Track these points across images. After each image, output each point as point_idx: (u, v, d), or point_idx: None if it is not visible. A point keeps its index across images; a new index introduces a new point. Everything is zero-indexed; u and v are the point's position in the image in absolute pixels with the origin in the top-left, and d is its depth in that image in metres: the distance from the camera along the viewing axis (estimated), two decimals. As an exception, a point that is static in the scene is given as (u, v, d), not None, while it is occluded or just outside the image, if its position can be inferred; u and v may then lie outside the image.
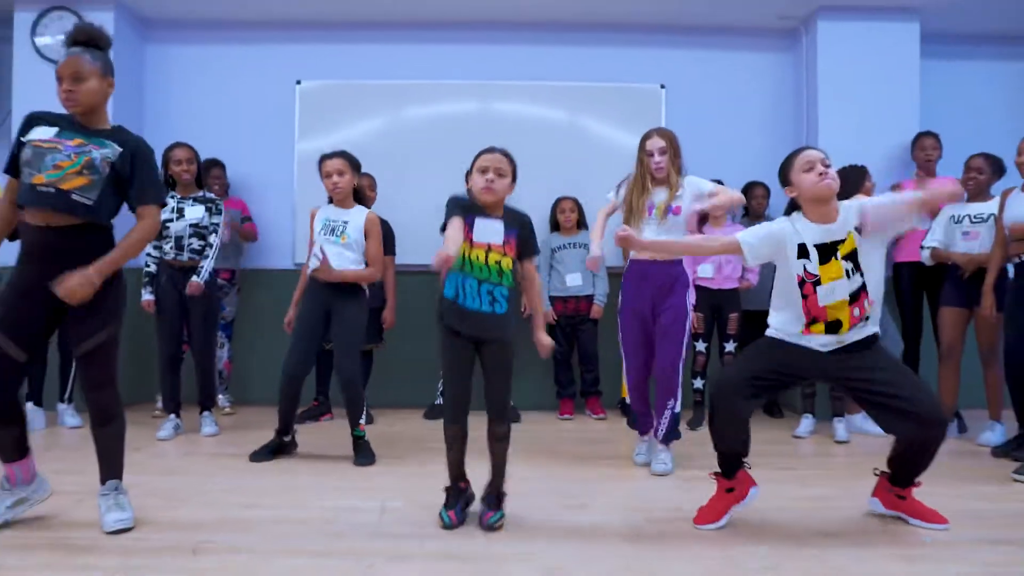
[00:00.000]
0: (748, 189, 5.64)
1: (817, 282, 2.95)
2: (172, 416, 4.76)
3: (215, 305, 4.95)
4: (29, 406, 4.82)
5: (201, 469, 3.95)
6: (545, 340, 3.05)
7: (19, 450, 2.94)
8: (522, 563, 2.61)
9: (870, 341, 3.00)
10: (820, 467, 4.15)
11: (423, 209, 5.56)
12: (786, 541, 2.86)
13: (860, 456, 4.38)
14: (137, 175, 2.87)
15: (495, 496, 3.05)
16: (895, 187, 5.41)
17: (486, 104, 6.13)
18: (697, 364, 5.34)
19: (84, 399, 2.94)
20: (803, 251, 2.97)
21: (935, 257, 4.92)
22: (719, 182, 5.17)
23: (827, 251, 2.95)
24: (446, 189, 5.51)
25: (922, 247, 4.98)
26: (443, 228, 3.00)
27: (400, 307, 5.34)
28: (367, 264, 4.21)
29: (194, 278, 4.69)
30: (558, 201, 5.66)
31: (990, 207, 4.68)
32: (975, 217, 4.71)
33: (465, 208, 2.99)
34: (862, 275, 2.93)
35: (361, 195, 4.34)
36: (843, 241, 2.94)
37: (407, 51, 6.16)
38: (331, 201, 4.27)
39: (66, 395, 5.06)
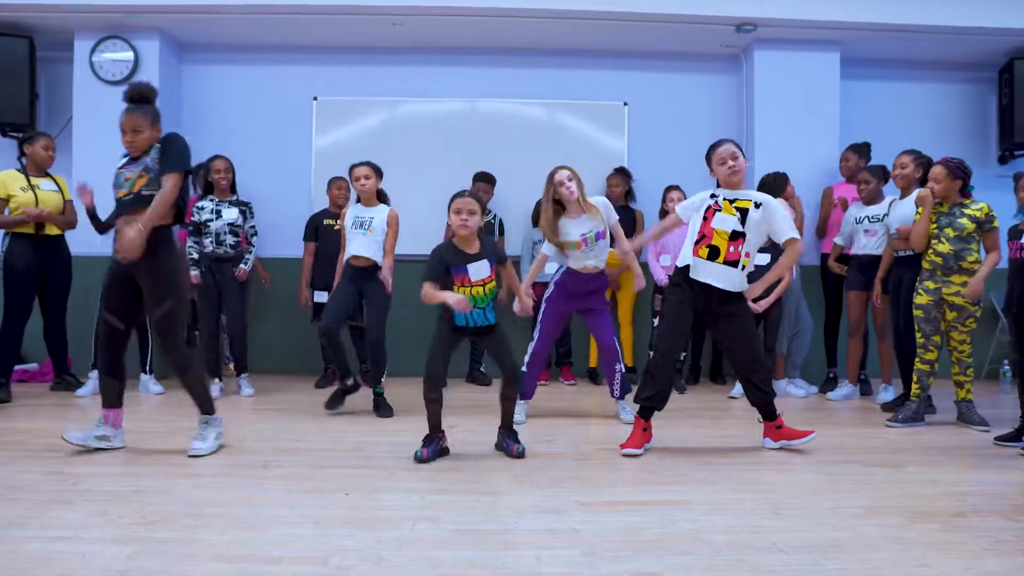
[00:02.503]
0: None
1: (718, 210, 4.03)
2: (216, 380, 5.76)
3: (247, 288, 5.94)
4: (144, 376, 5.86)
5: (251, 418, 4.99)
6: (525, 306, 4.35)
7: (117, 400, 3.99)
8: (501, 472, 3.67)
9: (737, 296, 4.07)
10: (738, 418, 5.18)
11: (420, 205, 6.53)
12: (693, 459, 3.94)
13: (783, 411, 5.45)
14: (164, 155, 3.78)
15: (511, 433, 4.05)
16: (825, 191, 6.46)
17: (475, 118, 7.14)
18: (654, 338, 6.29)
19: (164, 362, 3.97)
20: (714, 196, 4.10)
21: (833, 252, 6.02)
22: (676, 187, 6.21)
23: (730, 201, 4.04)
24: (442, 187, 6.59)
25: (834, 242, 6.04)
26: (425, 278, 3.87)
27: (398, 291, 6.16)
28: (386, 255, 5.14)
29: (241, 266, 5.75)
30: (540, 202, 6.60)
31: (882, 208, 5.67)
32: (872, 218, 5.71)
33: (453, 260, 3.87)
34: (743, 227, 3.99)
35: (383, 196, 5.26)
36: (744, 200, 4.03)
37: (408, 72, 7.13)
38: (358, 200, 5.23)
39: (147, 366, 5.90)
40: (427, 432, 3.96)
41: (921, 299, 4.89)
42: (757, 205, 4.02)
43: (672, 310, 4.13)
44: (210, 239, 5.72)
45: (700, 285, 4.04)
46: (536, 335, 4.94)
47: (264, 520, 2.89)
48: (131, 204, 3.76)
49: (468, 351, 6.67)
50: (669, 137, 7.16)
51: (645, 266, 6.49)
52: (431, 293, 3.80)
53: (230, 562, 2.46)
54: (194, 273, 5.76)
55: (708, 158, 4.18)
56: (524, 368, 4.85)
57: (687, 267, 4.06)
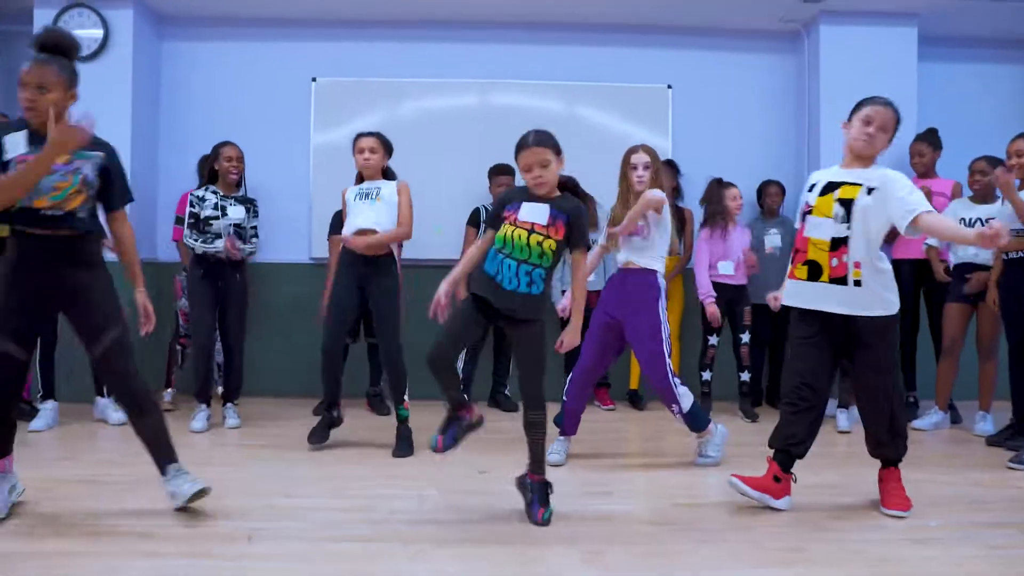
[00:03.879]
0: (763, 188, 5.88)
1: (809, 212, 3.17)
2: (203, 407, 4.85)
3: (247, 301, 5.06)
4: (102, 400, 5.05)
5: (237, 459, 4.11)
6: (569, 340, 3.13)
7: (7, 447, 3.09)
8: (561, 545, 2.79)
9: (876, 325, 3.15)
10: (825, 456, 4.30)
11: (430, 198, 5.68)
12: (804, 525, 3.05)
13: (859, 445, 4.58)
14: (115, 181, 3.07)
15: (542, 490, 3.11)
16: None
17: (494, 102, 6.28)
18: (707, 357, 5.49)
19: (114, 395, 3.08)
20: (813, 187, 3.23)
21: (933, 256, 5.13)
22: (719, 181, 5.43)
23: (829, 188, 3.15)
24: (457, 179, 5.72)
25: (927, 244, 5.17)
26: (487, 220, 3.17)
27: (409, 300, 5.46)
28: (401, 225, 4.29)
29: (233, 238, 4.84)
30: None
31: (995, 209, 4.81)
32: (986, 220, 4.70)
33: (515, 195, 3.11)
34: (849, 227, 3.08)
35: (389, 175, 4.45)
36: (848, 186, 3.12)
37: (418, 49, 6.29)
38: (360, 181, 4.41)
39: (105, 388, 5.01)
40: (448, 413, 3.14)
41: None
42: (870, 190, 3.09)
43: (799, 349, 3.31)
44: (208, 238, 4.82)
45: (817, 314, 3.19)
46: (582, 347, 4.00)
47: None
48: (56, 223, 2.90)
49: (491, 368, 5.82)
50: (718, 125, 6.33)
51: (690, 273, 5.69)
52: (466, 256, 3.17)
53: None
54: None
55: (855, 109, 3.23)
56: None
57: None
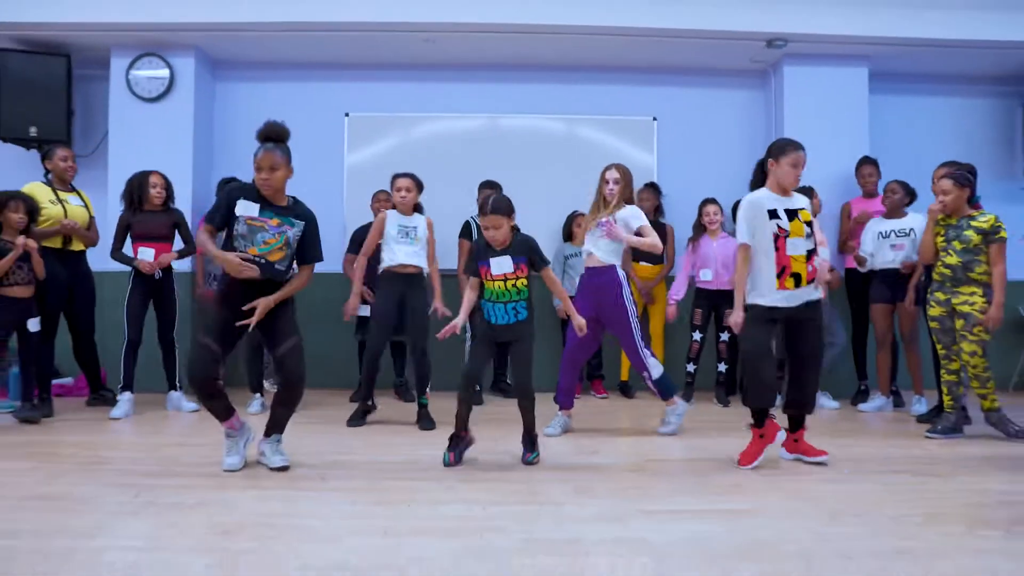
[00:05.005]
0: (736, 205, 6.66)
1: (787, 235, 4.01)
2: (257, 395, 5.78)
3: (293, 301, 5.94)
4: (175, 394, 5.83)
5: (297, 432, 4.97)
6: (579, 321, 4.22)
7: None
8: (558, 483, 3.70)
9: (819, 305, 4.10)
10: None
11: (447, 219, 6.59)
12: (747, 472, 3.97)
13: (814, 425, 5.47)
14: (307, 241, 3.95)
15: (529, 440, 4.16)
16: (844, 207, 6.52)
17: (503, 133, 7.22)
18: (692, 351, 6.35)
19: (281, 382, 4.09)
20: (774, 214, 4.03)
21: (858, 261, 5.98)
22: (712, 200, 6.26)
23: (791, 214, 4.04)
24: (470, 201, 6.57)
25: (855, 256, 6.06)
26: (464, 269, 4.21)
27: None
28: (430, 261, 5.29)
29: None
30: (574, 215, 6.60)
31: (908, 223, 5.75)
32: (899, 232, 5.76)
33: (481, 253, 4.10)
34: (813, 243, 4.04)
35: (419, 208, 5.34)
36: (803, 211, 4.05)
37: (438, 88, 7.22)
38: (393, 207, 5.30)
39: (176, 382, 5.83)
40: (452, 432, 4.12)
41: (934, 311, 4.96)
42: (813, 213, 4.12)
43: (757, 336, 4.11)
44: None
45: (775, 308, 4.05)
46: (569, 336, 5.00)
47: (336, 531, 2.92)
48: (259, 268, 3.79)
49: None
50: (699, 152, 7.22)
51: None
52: (466, 298, 4.20)
53: (315, 571, 2.50)
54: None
55: (778, 152, 4.06)
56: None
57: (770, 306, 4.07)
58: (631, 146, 7.13)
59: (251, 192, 3.83)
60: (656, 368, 4.92)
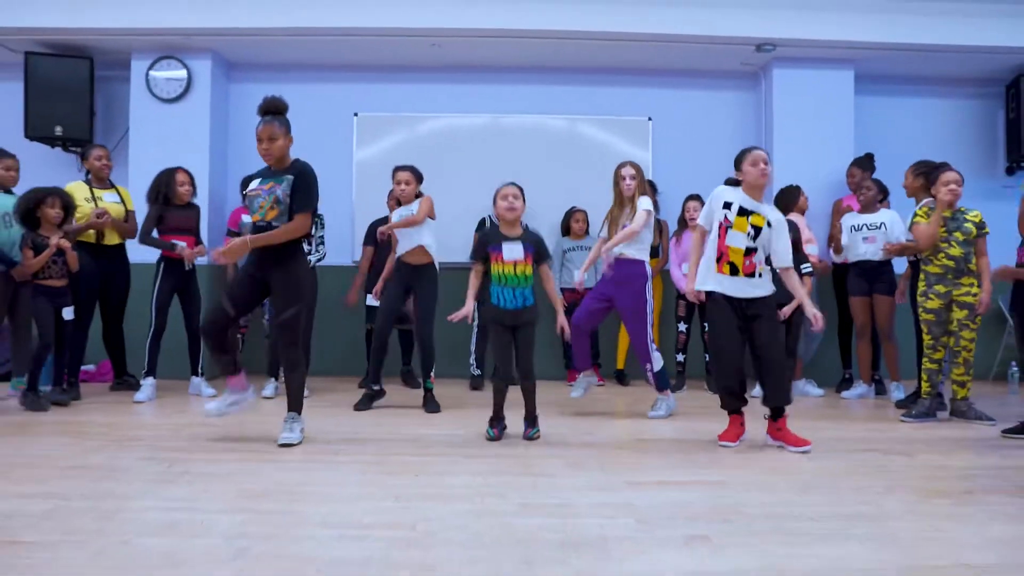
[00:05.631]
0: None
1: (729, 226, 4.31)
2: (272, 380, 6.11)
3: (315, 294, 6.27)
4: (196, 379, 6.13)
5: (310, 414, 5.26)
6: (563, 322, 4.56)
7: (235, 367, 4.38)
8: (553, 459, 4.03)
9: (768, 302, 4.35)
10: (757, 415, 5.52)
11: (452, 215, 6.90)
12: (729, 451, 4.29)
13: (799, 411, 5.77)
14: (296, 192, 4.14)
15: (531, 418, 4.51)
16: (836, 203, 6.82)
17: (505, 132, 7.54)
18: (679, 342, 6.69)
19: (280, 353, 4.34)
20: (728, 206, 4.34)
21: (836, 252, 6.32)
22: (695, 196, 6.55)
23: (744, 212, 4.31)
24: (474, 198, 6.88)
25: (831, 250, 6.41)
26: (472, 255, 4.49)
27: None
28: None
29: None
30: (571, 211, 6.97)
31: (879, 217, 6.05)
32: (870, 226, 6.06)
33: (492, 238, 4.43)
34: (755, 243, 4.28)
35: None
36: (758, 215, 4.30)
37: (443, 89, 7.54)
38: (397, 204, 5.61)
39: (199, 369, 6.15)
40: (492, 415, 4.50)
41: (933, 303, 5.17)
42: (769, 224, 4.32)
43: (716, 318, 4.41)
44: None
45: (730, 298, 4.35)
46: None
47: (351, 496, 3.26)
48: (264, 231, 4.14)
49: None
50: (692, 151, 7.50)
51: (667, 274, 6.88)
52: (471, 284, 4.47)
53: (333, 528, 2.83)
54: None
55: (739, 160, 4.40)
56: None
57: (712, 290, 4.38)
58: (628, 145, 7.44)
59: (262, 171, 4.27)
60: (658, 362, 5.26)
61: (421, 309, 5.47)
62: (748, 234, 4.30)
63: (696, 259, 4.49)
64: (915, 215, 5.29)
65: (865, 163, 6.72)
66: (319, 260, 6.29)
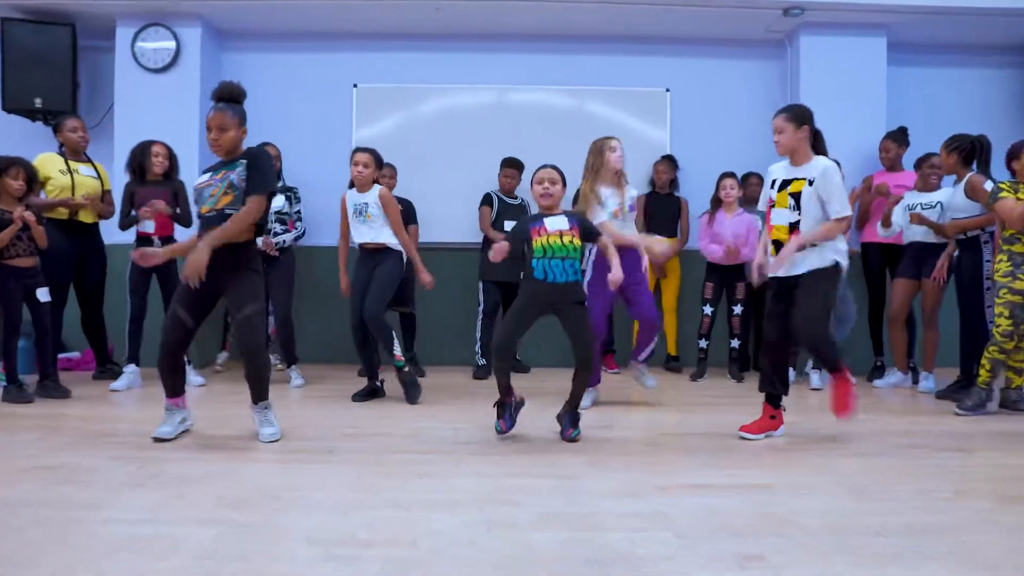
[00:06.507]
0: (745, 178, 6.48)
1: (773, 206, 3.99)
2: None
3: (292, 275, 5.89)
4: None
5: (304, 406, 4.96)
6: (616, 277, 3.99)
7: (181, 389, 3.98)
8: (572, 456, 3.61)
9: (812, 275, 3.90)
10: (795, 404, 5.05)
11: (451, 187, 6.52)
12: (764, 447, 3.88)
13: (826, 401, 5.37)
14: (251, 174, 3.78)
15: (573, 417, 3.99)
16: (865, 180, 6.37)
17: (513, 104, 7.08)
18: (703, 327, 6.26)
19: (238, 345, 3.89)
20: (773, 184, 4.03)
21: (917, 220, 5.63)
22: (731, 174, 6.13)
23: (784, 185, 3.96)
24: (478, 173, 6.51)
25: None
26: (512, 242, 3.92)
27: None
28: (396, 233, 5.05)
29: (270, 238, 5.66)
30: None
31: (938, 196, 5.57)
32: (924, 205, 5.59)
33: (532, 219, 4.00)
34: (799, 214, 3.89)
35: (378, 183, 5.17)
36: (796, 181, 3.92)
37: (446, 59, 7.08)
38: (352, 186, 5.14)
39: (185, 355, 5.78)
40: (498, 400, 3.99)
41: (1021, 284, 4.68)
42: (811, 182, 3.89)
43: (766, 301, 4.15)
44: None
45: (776, 279, 4.00)
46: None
47: (344, 504, 2.84)
48: (216, 221, 3.72)
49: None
50: (712, 124, 7.06)
51: (686, 254, 6.48)
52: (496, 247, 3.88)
53: (319, 545, 2.42)
54: None
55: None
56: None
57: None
58: (644, 119, 6.99)
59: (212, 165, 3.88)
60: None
61: (374, 284, 4.96)
62: (790, 206, 3.92)
63: (764, 241, 4.15)
64: (1000, 189, 4.79)
65: (899, 137, 6.28)
66: (297, 238, 5.95)
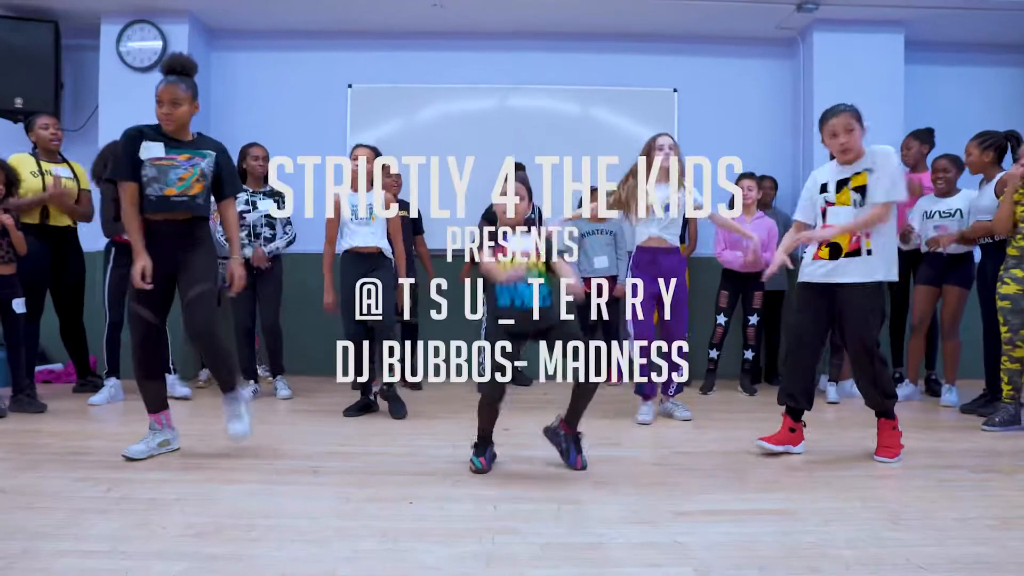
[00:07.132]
0: (758, 181, 6.21)
1: (831, 206, 3.72)
2: (251, 382, 5.42)
3: (280, 283, 5.60)
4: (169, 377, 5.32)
5: (292, 420, 4.68)
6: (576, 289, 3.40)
7: (163, 403, 3.73)
8: (576, 478, 3.33)
9: (859, 288, 3.63)
10: (813, 420, 4.80)
11: (453, 195, 6.19)
12: (785, 466, 3.59)
13: (846, 412, 5.09)
14: (224, 173, 3.66)
15: (577, 441, 3.50)
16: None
17: (515, 105, 6.82)
18: (715, 336, 5.98)
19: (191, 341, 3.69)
20: (824, 188, 3.78)
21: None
22: (749, 175, 5.84)
23: (842, 184, 3.70)
24: (480, 175, 6.29)
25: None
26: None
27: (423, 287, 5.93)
28: (393, 240, 4.88)
29: (261, 248, 5.38)
30: (592, 190, 6.26)
31: (957, 202, 5.28)
32: (944, 212, 5.30)
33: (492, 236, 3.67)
34: (865, 207, 3.62)
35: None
36: (857, 175, 3.67)
37: (444, 57, 6.82)
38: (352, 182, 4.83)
39: (170, 365, 5.31)
40: (477, 439, 3.52)
41: (1009, 288, 4.48)
42: (871, 171, 3.64)
43: (797, 308, 3.89)
44: (245, 232, 5.36)
45: (825, 287, 3.73)
46: (632, 330, 4.54)
47: (325, 533, 2.56)
48: (180, 207, 3.50)
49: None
50: (721, 126, 6.78)
51: (699, 261, 6.21)
52: (490, 268, 3.45)
53: (295, 582, 2.14)
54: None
55: (821, 127, 3.80)
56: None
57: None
58: (651, 119, 6.69)
59: (152, 132, 3.53)
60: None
61: (387, 301, 4.65)
62: (854, 203, 3.66)
63: (786, 246, 3.93)
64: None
65: (924, 136, 5.99)
66: (288, 244, 5.65)
